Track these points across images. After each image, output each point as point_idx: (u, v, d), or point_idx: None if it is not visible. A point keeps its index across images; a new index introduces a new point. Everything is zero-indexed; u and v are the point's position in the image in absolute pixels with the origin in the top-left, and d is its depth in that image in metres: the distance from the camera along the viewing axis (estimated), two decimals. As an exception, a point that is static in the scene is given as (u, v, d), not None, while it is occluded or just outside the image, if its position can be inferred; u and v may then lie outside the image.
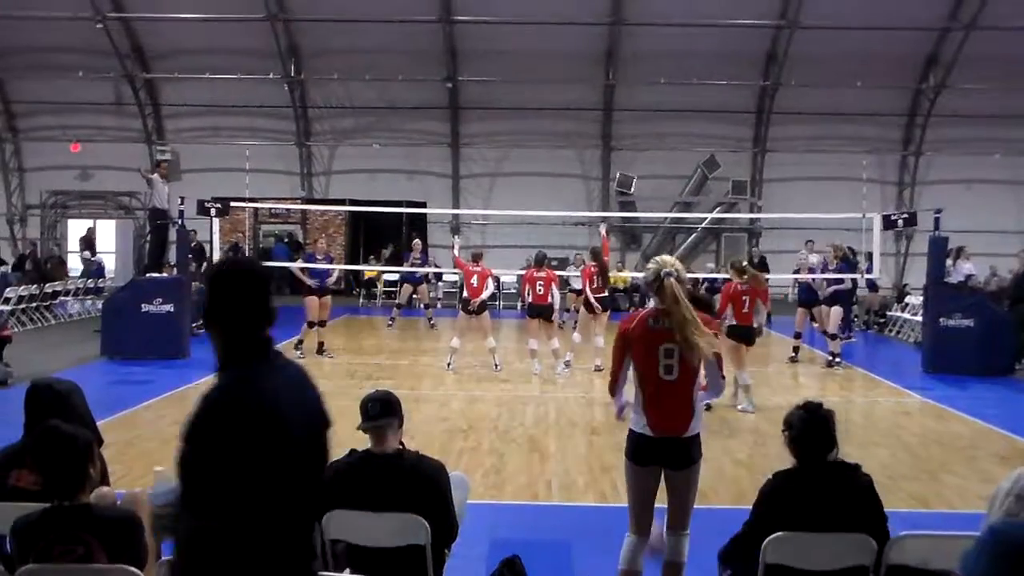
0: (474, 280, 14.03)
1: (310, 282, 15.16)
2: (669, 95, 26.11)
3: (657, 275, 4.95)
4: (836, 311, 15.37)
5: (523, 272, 17.22)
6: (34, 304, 19.28)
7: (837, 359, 15.17)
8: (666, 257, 5.13)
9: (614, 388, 5.18)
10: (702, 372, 5.11)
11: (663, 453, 5.00)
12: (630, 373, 5.11)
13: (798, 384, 14.05)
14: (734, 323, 11.25)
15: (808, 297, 15.97)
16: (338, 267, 17.73)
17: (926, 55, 26.28)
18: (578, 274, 18.00)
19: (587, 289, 14.01)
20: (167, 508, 2.93)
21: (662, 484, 5.11)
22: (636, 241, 28.51)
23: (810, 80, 25.75)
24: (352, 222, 28.99)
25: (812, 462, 4.24)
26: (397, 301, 20.75)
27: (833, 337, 15.31)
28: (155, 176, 16.39)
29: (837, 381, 14.12)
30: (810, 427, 4.25)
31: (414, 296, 20.78)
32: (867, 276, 17.59)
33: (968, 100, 25.90)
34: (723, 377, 5.24)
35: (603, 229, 16.16)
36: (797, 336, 16.07)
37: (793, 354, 15.86)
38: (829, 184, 25.39)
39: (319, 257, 15.84)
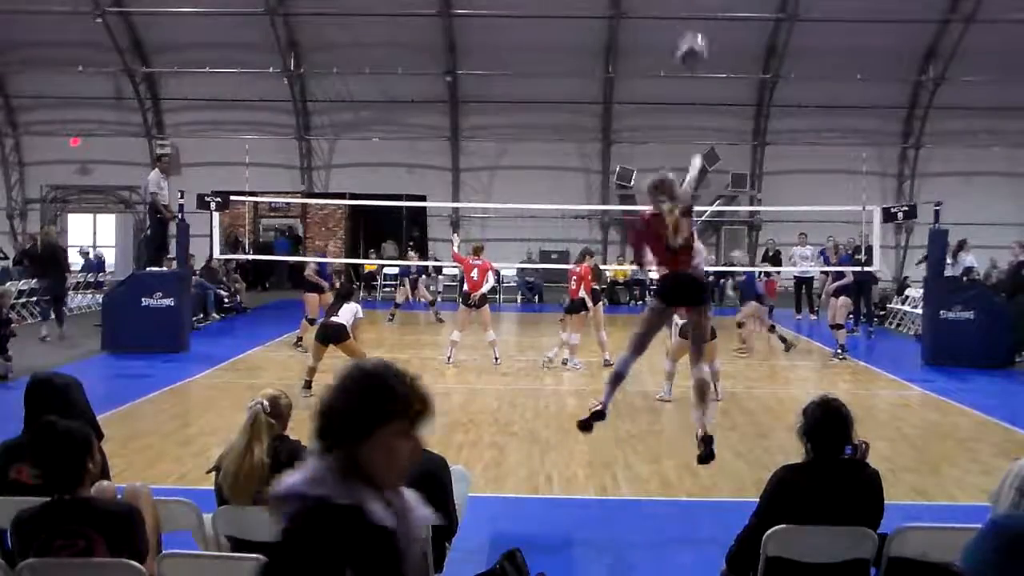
0: (474, 273, 14.04)
1: (323, 283, 15.71)
2: (669, 88, 26.04)
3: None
4: (843, 302, 15.44)
5: (524, 264, 17.35)
6: (35, 298, 19.27)
7: (841, 351, 15.20)
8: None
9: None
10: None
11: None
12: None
13: (799, 377, 14.05)
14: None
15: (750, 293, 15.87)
16: (337, 260, 18.11)
17: (925, 48, 26.23)
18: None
19: (584, 286, 13.89)
20: None
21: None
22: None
23: (810, 73, 25.71)
24: (352, 216, 28.98)
25: (823, 457, 4.21)
26: (396, 300, 20.77)
27: (839, 328, 15.35)
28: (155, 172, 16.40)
29: (837, 373, 14.12)
30: (825, 422, 4.22)
31: (414, 293, 20.88)
32: (866, 269, 17.60)
33: (967, 93, 25.86)
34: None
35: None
36: (739, 326, 15.94)
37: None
38: (829, 177, 25.31)
39: (330, 260, 16.66)
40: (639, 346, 6.80)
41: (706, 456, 6.64)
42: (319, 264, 16.81)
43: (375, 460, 2.19)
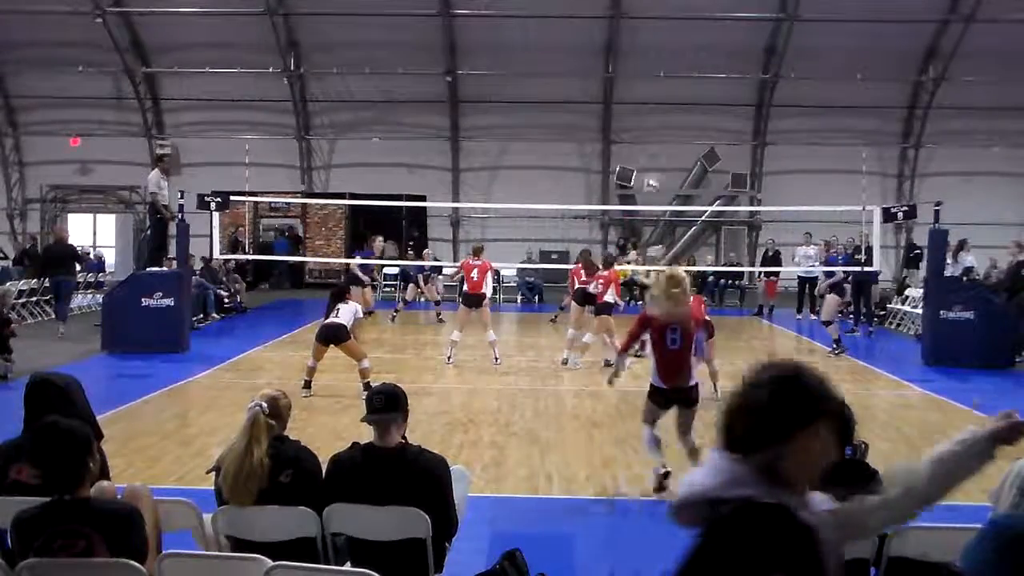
0: (474, 274, 14.06)
1: (364, 278, 15.96)
2: (669, 88, 26.07)
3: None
4: (832, 299, 15.66)
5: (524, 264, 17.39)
6: (35, 299, 19.26)
7: (836, 346, 15.28)
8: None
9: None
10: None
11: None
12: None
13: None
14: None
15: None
16: (377, 262, 18.61)
17: (925, 48, 26.23)
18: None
19: (616, 290, 14.06)
20: None
21: None
22: (636, 235, 28.48)
23: (809, 73, 25.71)
24: (352, 216, 28.96)
25: None
26: (405, 298, 20.78)
27: (827, 324, 15.48)
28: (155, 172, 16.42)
29: (837, 373, 14.05)
30: None
31: (421, 297, 20.95)
32: (867, 269, 17.64)
33: (967, 93, 25.87)
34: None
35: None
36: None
37: None
38: (829, 177, 25.32)
39: (376, 255, 16.89)
40: (653, 421, 7.62)
41: None
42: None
43: (795, 461, 2.17)
